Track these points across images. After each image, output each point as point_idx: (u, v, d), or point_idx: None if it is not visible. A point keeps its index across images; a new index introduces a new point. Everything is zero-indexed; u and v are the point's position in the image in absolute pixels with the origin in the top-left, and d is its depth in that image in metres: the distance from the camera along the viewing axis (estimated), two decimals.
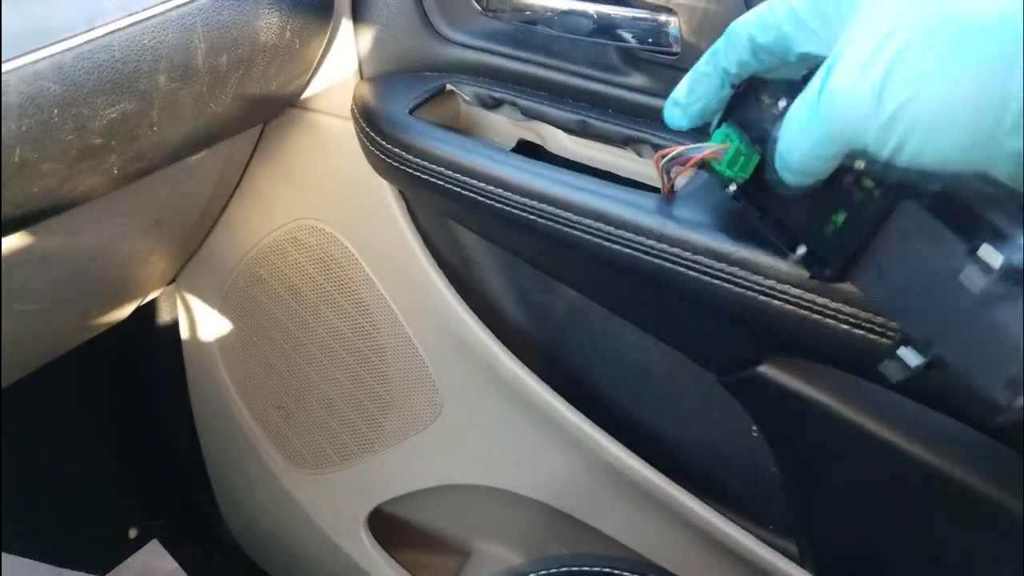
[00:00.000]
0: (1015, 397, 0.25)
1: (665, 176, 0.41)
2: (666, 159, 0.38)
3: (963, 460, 0.41)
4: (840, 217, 0.32)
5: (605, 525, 0.60)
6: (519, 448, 0.61)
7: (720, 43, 0.35)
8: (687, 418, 0.56)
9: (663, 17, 0.45)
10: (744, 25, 0.33)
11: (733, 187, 0.38)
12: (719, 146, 0.36)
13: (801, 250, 0.34)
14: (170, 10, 0.39)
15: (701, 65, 0.36)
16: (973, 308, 0.27)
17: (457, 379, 0.62)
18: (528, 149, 0.55)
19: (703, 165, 0.39)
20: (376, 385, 0.65)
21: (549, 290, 0.59)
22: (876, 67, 0.27)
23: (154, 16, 0.39)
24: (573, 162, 0.53)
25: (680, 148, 0.37)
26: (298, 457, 0.74)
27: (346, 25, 0.54)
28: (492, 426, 0.62)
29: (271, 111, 0.55)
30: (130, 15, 0.38)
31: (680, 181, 0.48)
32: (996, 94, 0.25)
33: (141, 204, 0.55)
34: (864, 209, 0.32)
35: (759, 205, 0.37)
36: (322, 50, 0.52)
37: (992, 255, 0.25)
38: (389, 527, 0.74)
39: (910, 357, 0.28)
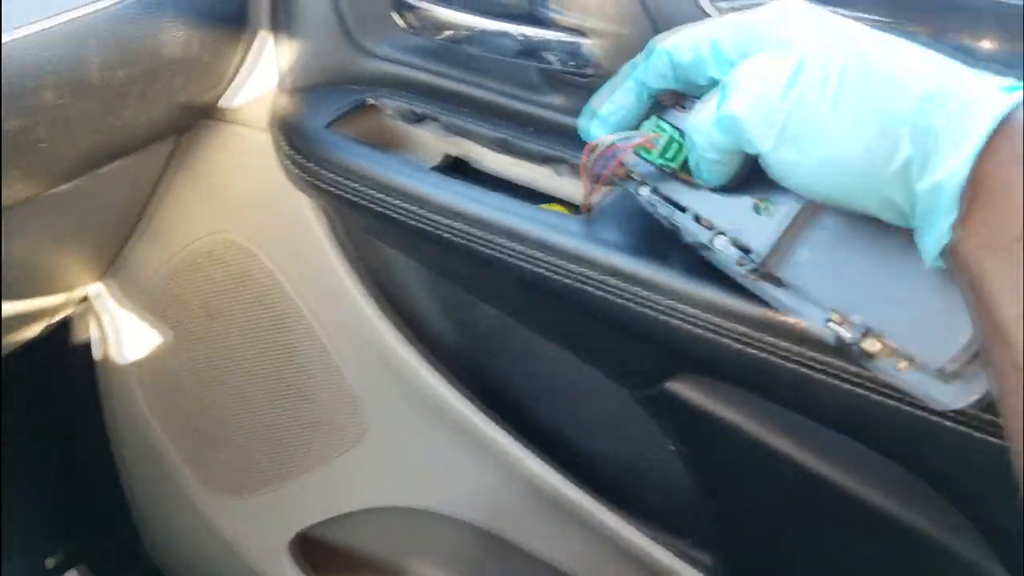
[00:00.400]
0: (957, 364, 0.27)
1: (591, 177, 0.38)
2: (596, 152, 0.37)
3: (866, 479, 0.42)
4: (764, 205, 0.33)
5: (533, 545, 0.60)
6: (446, 468, 0.60)
7: (640, 56, 0.35)
8: (610, 433, 0.57)
9: (578, 39, 0.45)
10: (666, 42, 0.34)
11: (645, 190, 0.38)
12: (652, 134, 0.35)
13: (720, 240, 0.34)
14: (59, 25, 0.38)
15: (619, 78, 0.36)
16: (916, 283, 0.29)
17: (382, 398, 0.60)
18: (456, 164, 0.55)
19: (618, 177, 0.38)
20: (297, 405, 0.64)
21: (475, 306, 0.58)
22: (773, 99, 0.28)
23: (41, 31, 0.37)
24: (498, 178, 0.53)
25: (611, 138, 0.36)
26: (217, 482, 0.71)
27: (265, 37, 0.52)
28: (419, 446, 0.61)
29: (182, 124, 0.53)
30: (15, 29, 0.36)
31: (594, 198, 0.48)
32: (884, 150, 0.26)
33: (41, 221, 0.52)
34: (789, 195, 0.33)
35: (676, 203, 0.37)
36: (238, 62, 0.51)
37: None
38: (317, 552, 0.72)
39: (842, 332, 0.30)
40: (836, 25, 0.29)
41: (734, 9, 0.40)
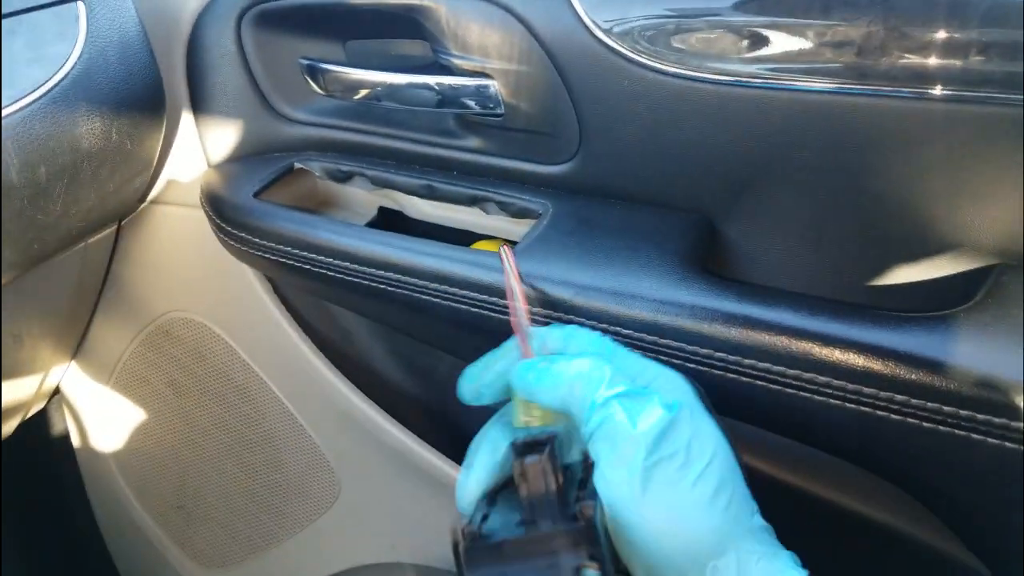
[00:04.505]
0: None
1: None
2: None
3: (818, 477, 0.41)
4: None
5: None
6: (421, 518, 0.60)
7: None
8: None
9: (483, 81, 0.46)
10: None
11: None
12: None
13: None
14: None
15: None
16: None
17: (351, 456, 0.60)
18: (392, 217, 0.55)
19: None
20: (271, 473, 0.63)
21: (429, 353, 0.58)
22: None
23: None
24: (434, 225, 0.54)
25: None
26: (203, 556, 0.71)
27: (186, 117, 0.53)
28: (392, 499, 0.60)
29: (117, 211, 0.54)
30: None
31: (521, 230, 0.49)
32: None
33: None
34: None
35: None
36: (161, 145, 0.52)
37: None
38: None
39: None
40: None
41: (625, 33, 0.41)
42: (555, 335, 0.35)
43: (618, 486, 0.29)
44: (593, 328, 0.40)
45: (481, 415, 0.58)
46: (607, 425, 0.30)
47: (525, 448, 0.31)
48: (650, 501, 0.28)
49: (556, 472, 0.31)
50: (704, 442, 0.30)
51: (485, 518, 0.31)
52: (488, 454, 0.33)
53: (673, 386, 0.32)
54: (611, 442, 0.29)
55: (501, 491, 0.33)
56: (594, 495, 0.30)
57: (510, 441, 0.33)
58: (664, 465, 0.29)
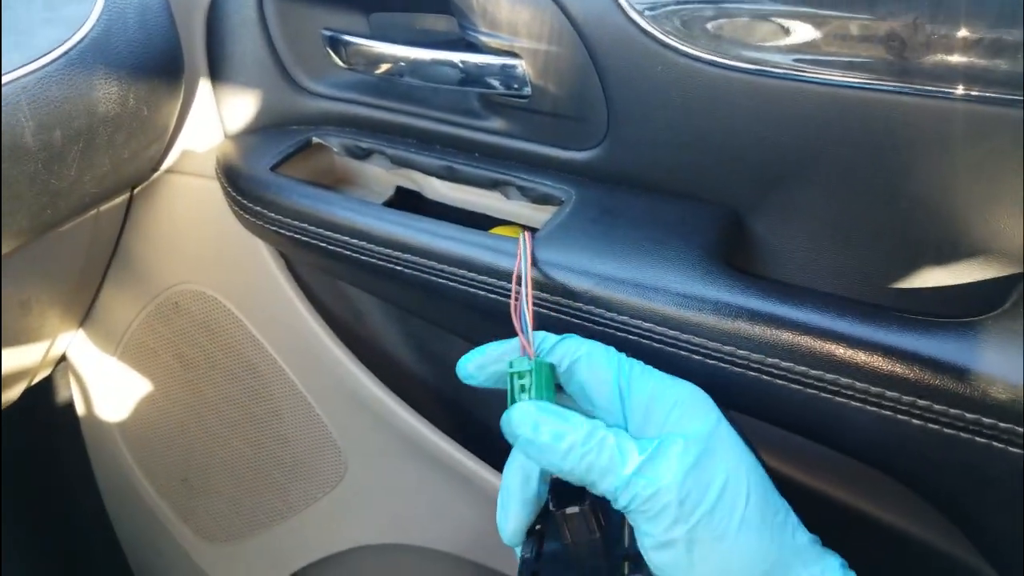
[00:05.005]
0: None
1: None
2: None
3: (833, 478, 0.41)
4: None
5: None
6: (427, 501, 0.60)
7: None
8: None
9: (512, 61, 0.45)
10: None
11: None
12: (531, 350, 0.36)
13: None
14: None
15: None
16: None
17: (358, 436, 0.60)
18: (409, 196, 0.54)
19: None
20: (277, 449, 0.63)
21: (444, 337, 0.58)
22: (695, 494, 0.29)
23: None
24: (451, 207, 0.53)
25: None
26: (207, 531, 0.71)
27: (204, 85, 0.52)
28: (398, 481, 0.60)
29: (130, 179, 0.54)
30: None
31: (542, 217, 0.48)
32: None
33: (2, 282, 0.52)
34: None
35: None
36: (177, 112, 0.51)
37: None
38: None
39: None
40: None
41: (661, 16, 0.40)
42: (566, 347, 0.35)
43: (664, 554, 0.29)
44: (603, 323, 0.39)
45: (492, 402, 0.58)
46: (637, 501, 0.30)
47: (564, 489, 0.33)
48: (699, 562, 0.28)
49: (598, 516, 0.32)
50: (737, 473, 0.30)
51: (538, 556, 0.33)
52: (520, 488, 0.34)
53: (692, 403, 0.32)
54: (645, 515, 0.29)
55: (543, 523, 0.35)
56: (640, 560, 0.31)
57: (540, 470, 0.34)
58: (706, 522, 0.29)
